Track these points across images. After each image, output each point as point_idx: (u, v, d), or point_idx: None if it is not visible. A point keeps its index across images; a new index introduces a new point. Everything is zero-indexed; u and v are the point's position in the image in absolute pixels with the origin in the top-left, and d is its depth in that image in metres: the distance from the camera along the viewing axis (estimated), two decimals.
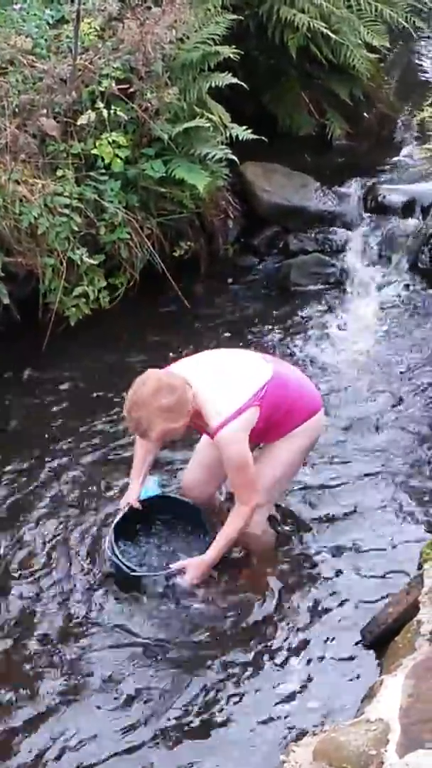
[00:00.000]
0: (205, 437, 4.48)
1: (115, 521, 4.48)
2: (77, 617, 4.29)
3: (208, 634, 4.21)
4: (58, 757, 3.68)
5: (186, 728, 3.80)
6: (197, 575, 4.24)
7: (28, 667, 4.07)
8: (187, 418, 4.06)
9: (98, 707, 3.89)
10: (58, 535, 4.74)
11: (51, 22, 6.47)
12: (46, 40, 6.31)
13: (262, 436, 4.35)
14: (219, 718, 3.84)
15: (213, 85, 6.55)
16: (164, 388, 3.99)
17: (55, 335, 5.95)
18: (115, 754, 3.70)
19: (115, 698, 3.92)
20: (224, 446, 4.14)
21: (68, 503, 4.93)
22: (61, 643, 4.16)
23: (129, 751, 3.71)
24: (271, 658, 4.10)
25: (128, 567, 4.30)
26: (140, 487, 4.53)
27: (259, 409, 4.15)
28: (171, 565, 4.28)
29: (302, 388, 4.41)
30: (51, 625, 4.25)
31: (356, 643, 4.12)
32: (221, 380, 4.19)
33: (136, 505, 4.47)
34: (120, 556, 4.32)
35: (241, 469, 4.17)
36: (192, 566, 4.24)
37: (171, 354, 5.97)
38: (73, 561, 4.57)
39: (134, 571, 4.31)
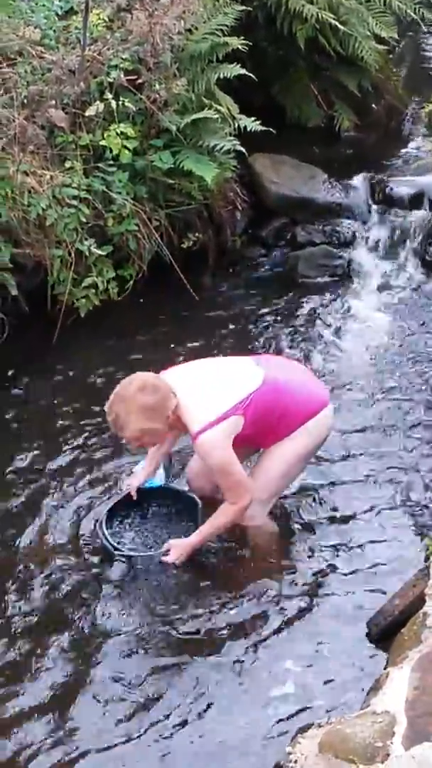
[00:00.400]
0: None
1: (111, 504, 4.60)
2: (72, 610, 4.29)
3: (210, 626, 4.20)
4: (48, 750, 3.68)
5: (191, 720, 3.79)
6: (178, 555, 4.30)
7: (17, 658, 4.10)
8: (166, 425, 4.14)
9: (94, 700, 3.88)
10: (63, 523, 4.76)
11: (60, 13, 6.48)
12: (54, 31, 6.32)
13: (257, 441, 4.41)
14: (225, 711, 3.84)
15: (221, 76, 6.56)
16: (149, 388, 4.09)
17: (64, 326, 5.97)
18: (117, 745, 3.70)
19: (114, 691, 3.92)
20: (204, 452, 4.21)
21: (74, 493, 4.94)
22: (52, 636, 4.17)
23: (132, 743, 3.71)
24: (276, 650, 4.10)
25: (114, 546, 4.37)
26: (146, 476, 4.62)
27: (243, 417, 4.19)
28: (164, 546, 4.35)
29: (300, 392, 4.39)
30: (41, 616, 4.27)
31: (362, 635, 4.13)
32: (205, 390, 4.25)
33: (133, 493, 4.57)
34: (108, 536, 4.40)
35: (223, 473, 4.22)
36: (174, 546, 4.31)
37: (173, 345, 6.03)
38: (74, 552, 4.58)
39: (119, 550, 4.37)
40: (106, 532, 4.43)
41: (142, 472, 4.63)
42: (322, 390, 4.60)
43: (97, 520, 4.60)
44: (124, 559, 4.37)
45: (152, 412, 4.07)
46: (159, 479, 4.72)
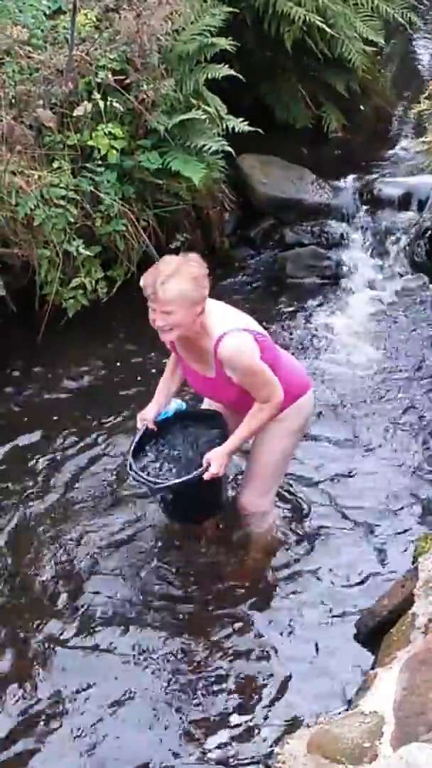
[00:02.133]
0: None
1: (134, 442, 4.37)
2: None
3: (201, 624, 4.21)
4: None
5: (179, 722, 3.79)
6: (220, 465, 4.12)
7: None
8: (197, 310, 3.93)
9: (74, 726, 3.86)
10: (52, 523, 4.76)
11: (48, 12, 6.44)
12: (42, 31, 6.29)
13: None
14: (213, 710, 3.84)
15: (209, 76, 6.57)
16: (196, 262, 3.99)
17: (53, 326, 5.95)
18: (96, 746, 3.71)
19: (102, 692, 3.92)
20: (230, 355, 4.01)
21: (64, 498, 4.92)
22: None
23: (110, 741, 3.72)
24: (266, 649, 4.10)
25: (151, 482, 4.20)
26: (159, 408, 4.43)
27: (257, 345, 4.08)
28: (203, 462, 4.14)
29: (293, 367, 4.39)
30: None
31: (351, 635, 4.12)
32: (229, 310, 4.19)
33: (151, 425, 4.37)
34: (140, 474, 4.21)
35: (253, 374, 4.06)
36: (213, 457, 4.13)
37: (161, 345, 5.96)
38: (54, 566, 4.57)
39: (158, 483, 4.20)
40: (137, 471, 4.22)
41: (153, 406, 4.41)
42: (305, 372, 4.58)
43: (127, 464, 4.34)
44: (165, 492, 4.21)
45: (195, 283, 3.90)
46: (172, 409, 4.55)
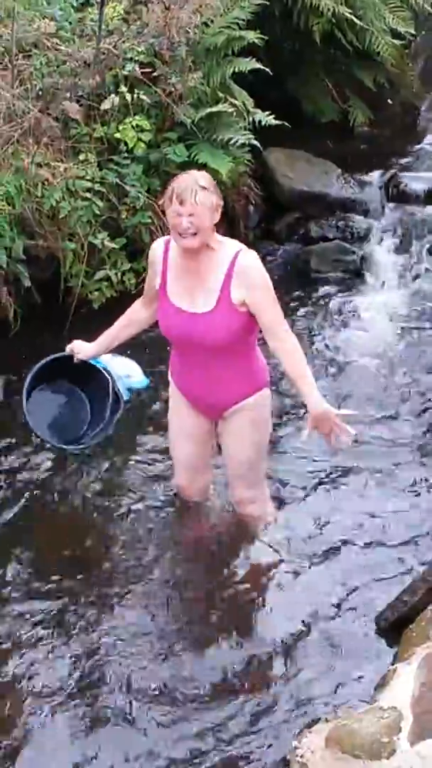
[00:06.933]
0: (183, 431, 4.44)
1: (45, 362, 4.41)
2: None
3: (216, 619, 4.21)
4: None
5: (196, 714, 3.79)
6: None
7: None
8: (218, 212, 3.97)
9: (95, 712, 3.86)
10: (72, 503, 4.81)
11: (75, 5, 6.49)
12: (70, 23, 6.32)
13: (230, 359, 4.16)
14: (231, 704, 3.84)
15: (237, 70, 6.58)
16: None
17: (79, 318, 5.96)
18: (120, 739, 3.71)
19: (126, 687, 3.92)
20: (252, 264, 4.00)
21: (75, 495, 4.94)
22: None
23: (135, 736, 3.72)
24: (284, 643, 4.09)
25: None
26: (99, 350, 4.45)
27: None
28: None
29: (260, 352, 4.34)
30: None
31: (371, 631, 4.12)
32: None
33: (79, 358, 4.41)
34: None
35: (270, 288, 4.01)
36: (321, 417, 3.94)
37: None
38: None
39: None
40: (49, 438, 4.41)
41: (93, 346, 4.42)
42: None
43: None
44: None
45: (217, 190, 3.99)
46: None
